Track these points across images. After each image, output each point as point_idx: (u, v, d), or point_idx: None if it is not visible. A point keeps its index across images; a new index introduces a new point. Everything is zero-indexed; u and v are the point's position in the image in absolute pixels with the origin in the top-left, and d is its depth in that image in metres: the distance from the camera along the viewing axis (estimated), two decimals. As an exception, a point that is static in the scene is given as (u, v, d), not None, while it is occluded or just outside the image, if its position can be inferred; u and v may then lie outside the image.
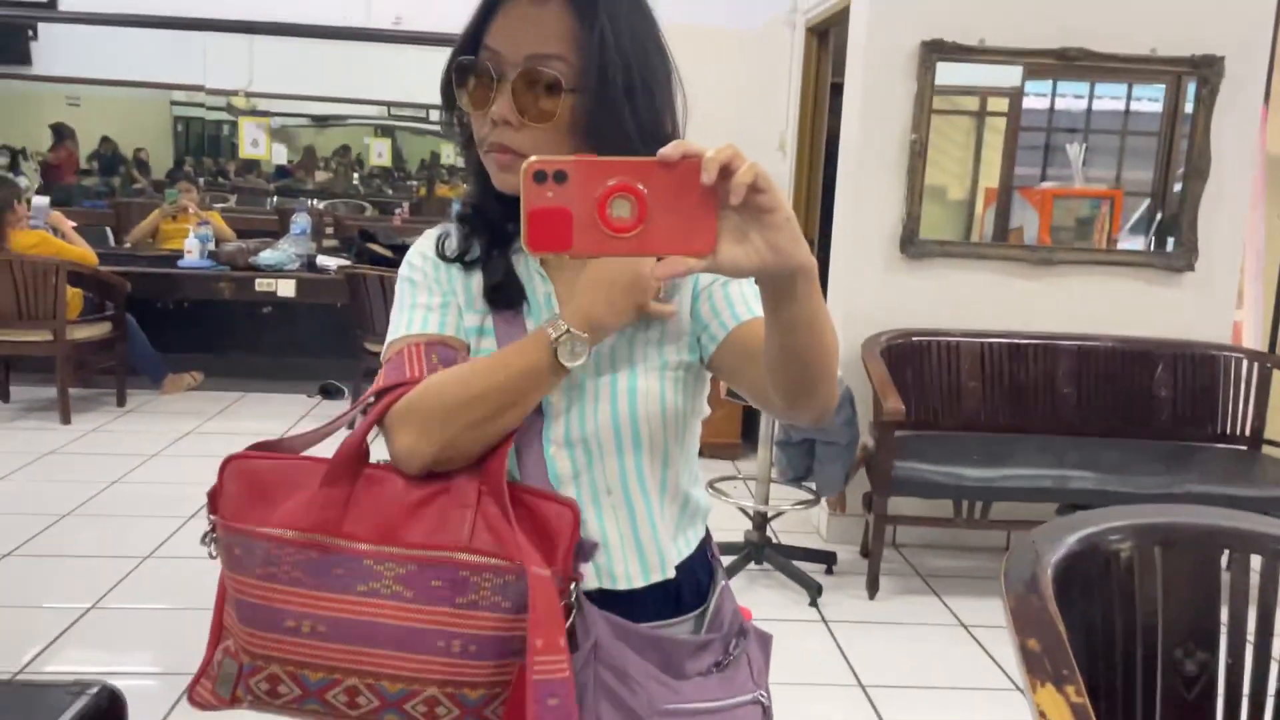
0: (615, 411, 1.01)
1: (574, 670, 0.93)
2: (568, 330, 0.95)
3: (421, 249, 1.10)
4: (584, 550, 0.99)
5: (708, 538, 1.15)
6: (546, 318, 1.02)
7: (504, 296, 1.04)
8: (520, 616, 0.93)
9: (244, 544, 0.98)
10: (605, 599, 1.02)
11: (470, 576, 0.94)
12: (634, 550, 1.03)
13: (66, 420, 4.94)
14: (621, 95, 0.95)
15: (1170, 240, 3.73)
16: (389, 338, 1.06)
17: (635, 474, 1.02)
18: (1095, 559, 1.42)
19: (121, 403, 5.37)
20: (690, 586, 1.08)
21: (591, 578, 1.02)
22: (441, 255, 1.08)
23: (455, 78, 0.99)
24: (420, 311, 1.05)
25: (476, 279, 1.06)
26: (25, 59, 6.98)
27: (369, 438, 0.99)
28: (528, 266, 1.06)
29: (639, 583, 1.03)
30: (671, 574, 1.05)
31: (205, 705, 1.02)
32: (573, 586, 0.95)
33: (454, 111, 1.04)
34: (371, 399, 1.00)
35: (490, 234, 1.06)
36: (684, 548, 1.08)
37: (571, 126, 0.96)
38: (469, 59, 0.98)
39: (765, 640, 1.17)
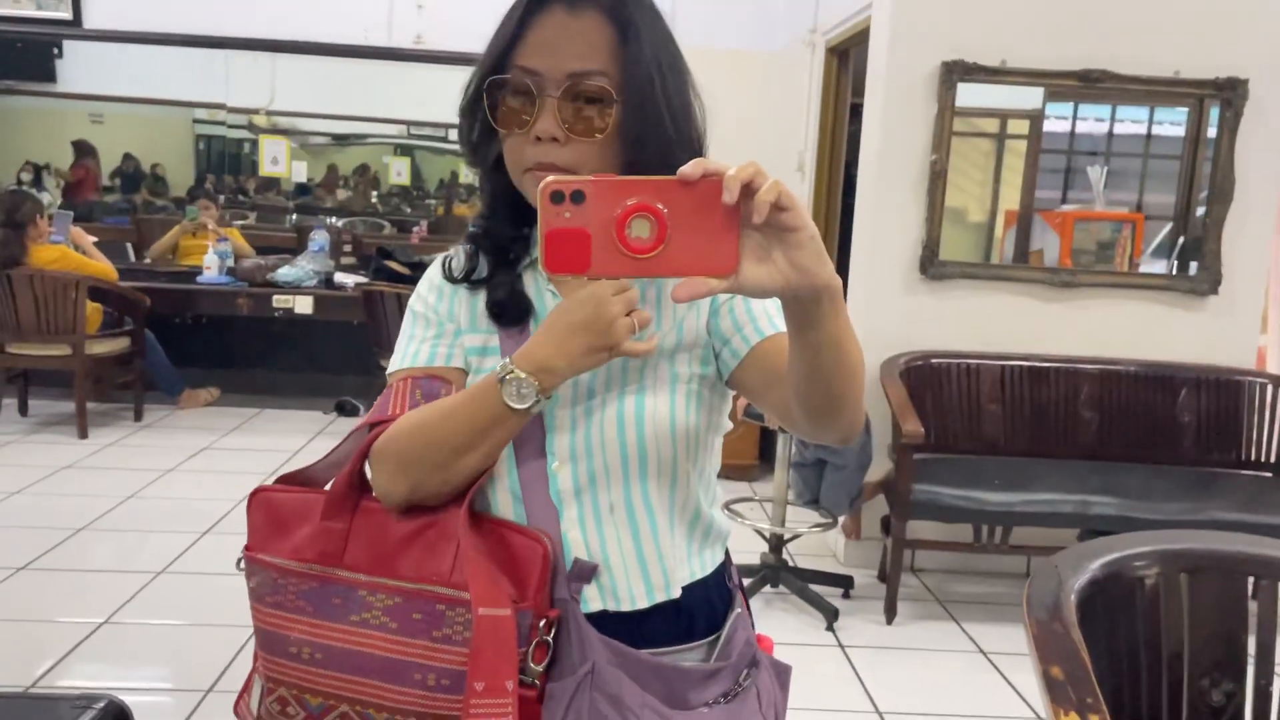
0: (622, 430, 0.98)
1: (566, 693, 0.95)
2: (511, 372, 0.93)
3: (429, 276, 1.10)
4: (582, 572, 0.98)
5: (727, 562, 1.12)
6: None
7: (507, 313, 1.03)
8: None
9: (259, 573, 1.03)
10: (610, 620, 1.00)
11: (446, 611, 0.95)
12: (637, 569, 1.01)
13: (84, 435, 4.96)
14: (662, 104, 0.95)
15: (1193, 264, 3.69)
16: (388, 369, 1.08)
17: (640, 493, 1.00)
18: (1119, 585, 1.39)
19: (139, 417, 5.39)
20: (704, 612, 1.06)
21: (595, 598, 1.00)
22: (449, 277, 1.08)
23: (488, 98, 0.96)
24: (415, 344, 1.06)
25: (483, 297, 1.06)
26: (50, 76, 7.06)
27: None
28: (538, 282, 1.05)
29: (643, 603, 1.01)
30: (677, 594, 1.02)
31: (242, 718, 1.08)
32: (548, 621, 0.95)
33: (474, 132, 1.02)
34: (366, 428, 1.03)
35: (497, 253, 1.05)
36: (697, 569, 1.05)
37: (617, 139, 0.95)
38: (503, 78, 0.95)
39: (783, 672, 1.13)
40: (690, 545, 1.05)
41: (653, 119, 0.95)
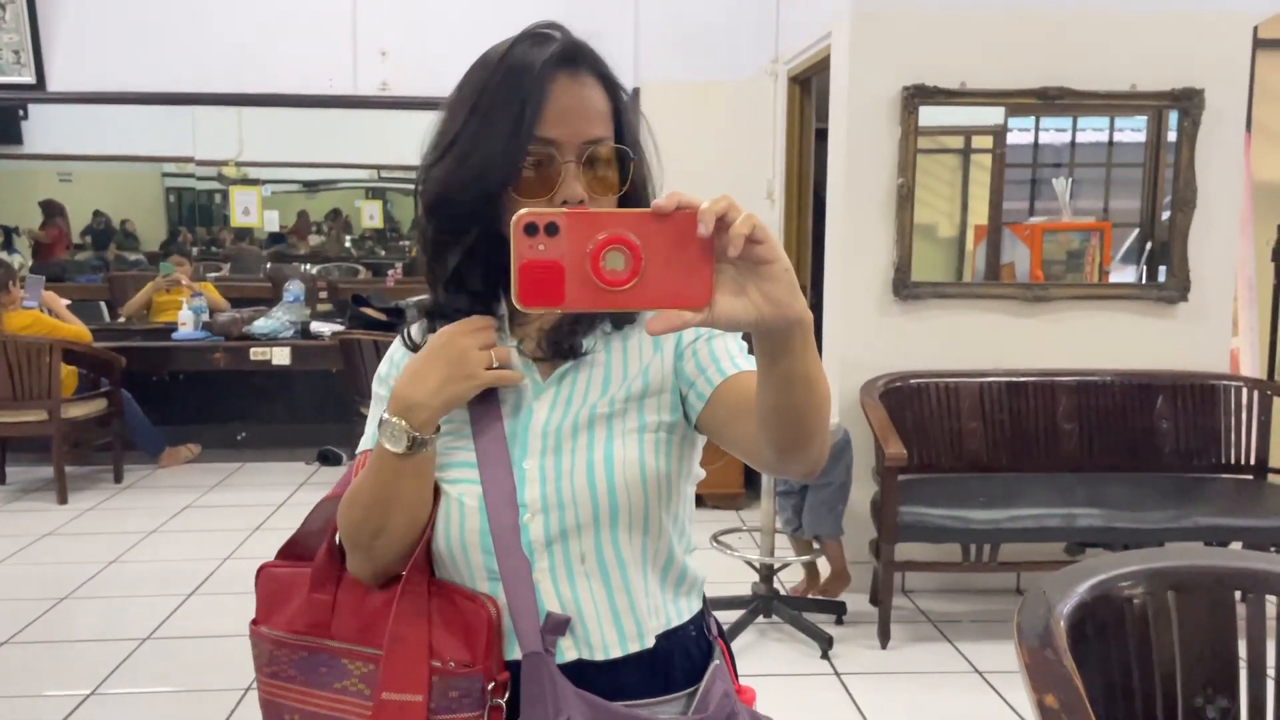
0: (592, 480, 0.99)
1: None
2: (383, 418, 0.97)
3: (390, 354, 1.13)
4: (555, 625, 0.99)
5: (705, 612, 1.12)
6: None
7: None
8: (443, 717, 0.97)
9: (259, 645, 1.08)
10: (587, 671, 1.00)
11: None
12: (610, 617, 1.01)
13: (64, 500, 4.90)
14: (649, 155, 1.03)
15: (1162, 270, 3.73)
16: (356, 450, 1.13)
17: (611, 542, 1.00)
18: (1108, 607, 1.40)
19: (119, 479, 5.33)
20: (682, 664, 1.05)
21: (570, 648, 1.00)
22: (411, 347, 1.09)
23: (508, 174, 0.96)
24: (373, 424, 1.09)
25: None
26: (16, 138, 7.04)
27: None
28: (503, 336, 1.06)
29: (616, 652, 1.01)
30: (650, 643, 1.02)
31: None
32: (498, 684, 0.98)
33: (460, 205, 0.99)
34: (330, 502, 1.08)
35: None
36: (673, 617, 1.06)
37: (625, 194, 1.02)
38: (522, 151, 0.95)
39: None
40: (664, 593, 1.05)
41: (646, 170, 1.03)
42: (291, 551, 1.11)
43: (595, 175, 0.98)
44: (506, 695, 0.98)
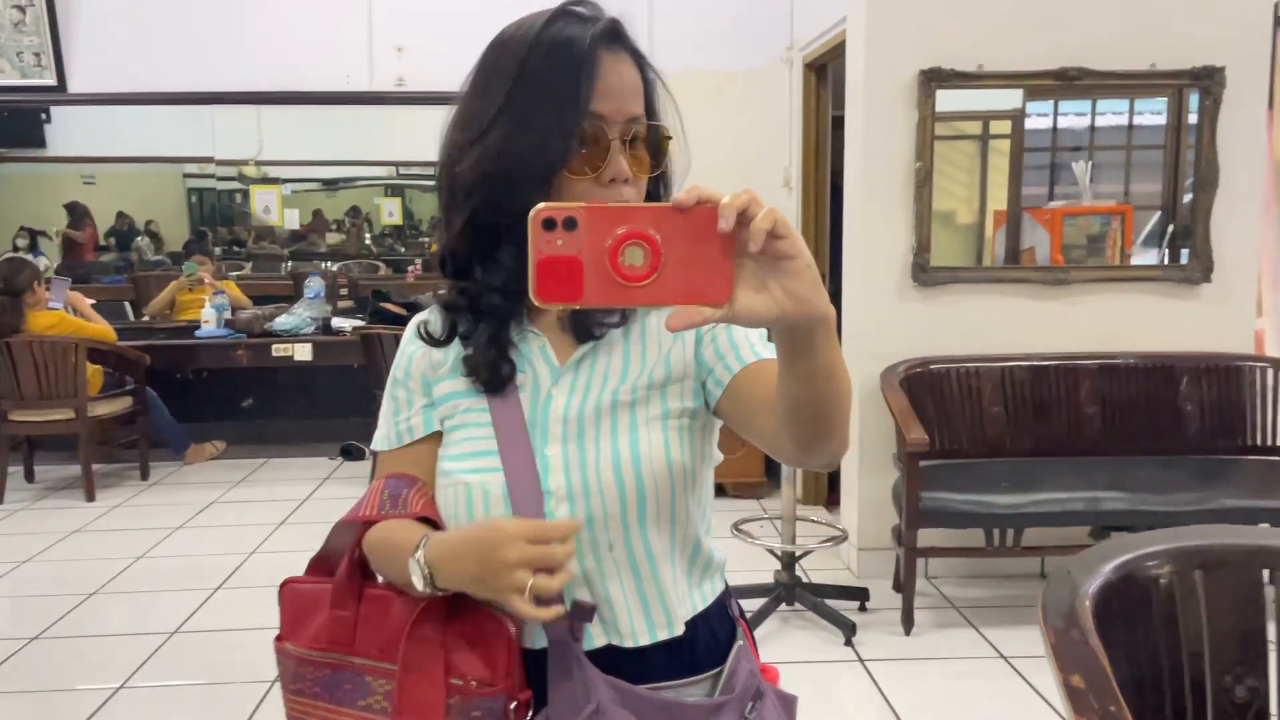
0: (619, 469, 0.98)
1: None
2: (419, 549, 0.96)
3: (403, 344, 1.12)
4: (582, 612, 0.99)
5: (727, 593, 1.12)
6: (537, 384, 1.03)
7: (481, 375, 1.03)
8: None
9: (284, 662, 1.08)
10: (614, 656, 1.00)
11: None
12: (639, 607, 1.01)
13: (91, 497, 4.96)
14: (678, 136, 1.03)
15: (1184, 252, 3.70)
16: (372, 444, 1.13)
17: (639, 531, 1.00)
18: (1134, 587, 1.38)
19: (145, 476, 5.38)
20: (707, 645, 1.06)
21: (599, 634, 1.00)
22: (429, 341, 1.08)
23: (567, 147, 0.95)
24: (385, 426, 1.10)
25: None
26: (40, 142, 7.10)
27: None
28: (527, 343, 1.05)
29: (645, 640, 1.01)
30: (680, 631, 1.02)
31: None
32: (520, 704, 0.97)
33: (504, 185, 0.97)
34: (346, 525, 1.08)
35: (478, 313, 1.04)
36: (699, 602, 1.06)
37: (658, 175, 1.02)
38: (577, 126, 0.95)
39: (789, 703, 1.13)
40: (690, 579, 1.06)
41: (679, 150, 1.02)
42: (319, 568, 1.11)
43: (635, 154, 0.98)
44: (530, 715, 0.99)
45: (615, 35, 0.98)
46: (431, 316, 1.09)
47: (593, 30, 0.96)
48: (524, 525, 0.90)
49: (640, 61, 1.00)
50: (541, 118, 0.95)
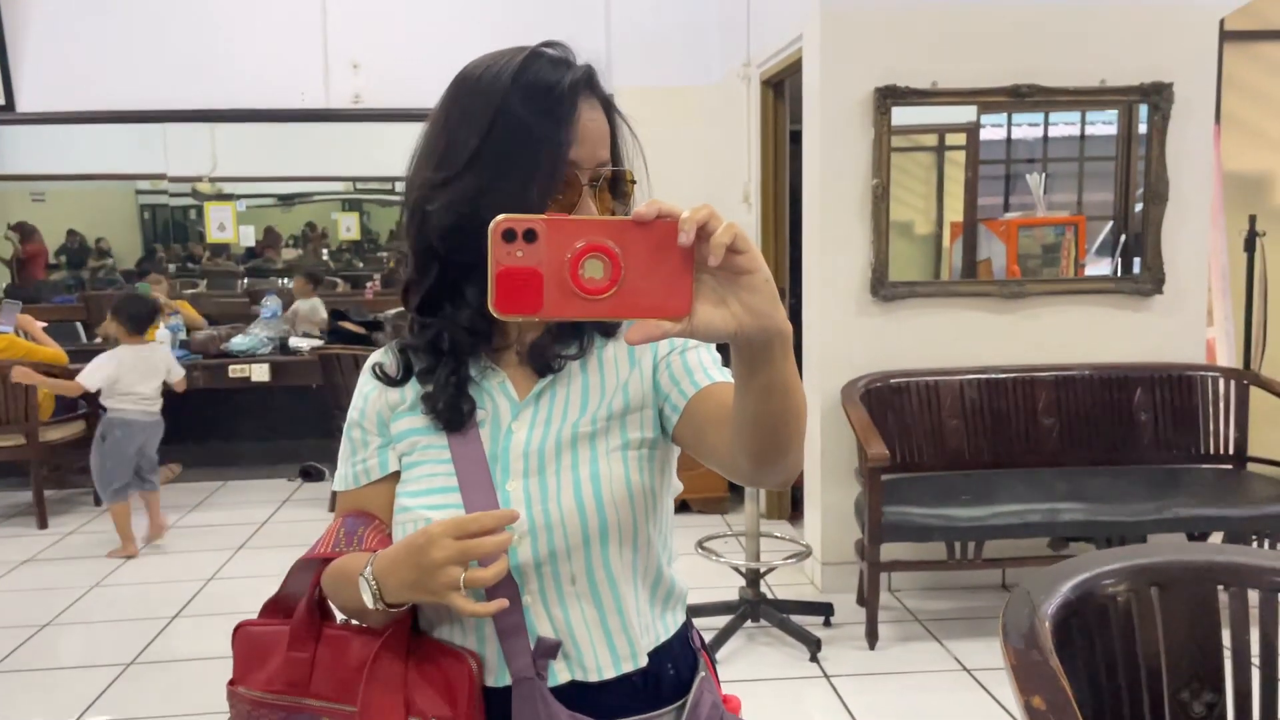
0: (579, 497, 0.98)
1: None
2: (368, 566, 0.96)
3: (360, 384, 1.11)
4: (546, 648, 0.99)
5: (689, 624, 1.12)
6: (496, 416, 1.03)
7: (440, 413, 1.02)
8: None
9: (236, 706, 1.08)
10: (578, 692, 1.00)
11: None
12: (603, 639, 1.01)
13: (43, 525, 4.85)
14: (641, 177, 1.05)
15: (1136, 263, 3.76)
16: (333, 485, 1.13)
17: (602, 563, 1.00)
18: (1092, 605, 1.40)
19: (99, 501, 5.26)
20: (670, 677, 1.06)
21: (563, 670, 1.00)
22: (385, 381, 1.08)
23: (549, 195, 0.95)
24: (344, 466, 1.10)
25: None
26: (-13, 160, 6.97)
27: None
28: (486, 379, 1.05)
29: (610, 673, 1.01)
30: (644, 662, 1.02)
31: None
32: None
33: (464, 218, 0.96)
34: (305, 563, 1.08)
35: (435, 352, 1.04)
36: (661, 633, 1.06)
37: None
38: (560, 171, 0.96)
39: None
40: (654, 609, 1.06)
41: (643, 194, 1.03)
42: (274, 610, 1.10)
43: (602, 199, 0.99)
44: None
45: (590, 82, 0.99)
46: (385, 358, 1.09)
47: (571, 77, 0.97)
48: (449, 522, 0.90)
49: (609, 108, 1.02)
50: (520, 161, 0.95)
